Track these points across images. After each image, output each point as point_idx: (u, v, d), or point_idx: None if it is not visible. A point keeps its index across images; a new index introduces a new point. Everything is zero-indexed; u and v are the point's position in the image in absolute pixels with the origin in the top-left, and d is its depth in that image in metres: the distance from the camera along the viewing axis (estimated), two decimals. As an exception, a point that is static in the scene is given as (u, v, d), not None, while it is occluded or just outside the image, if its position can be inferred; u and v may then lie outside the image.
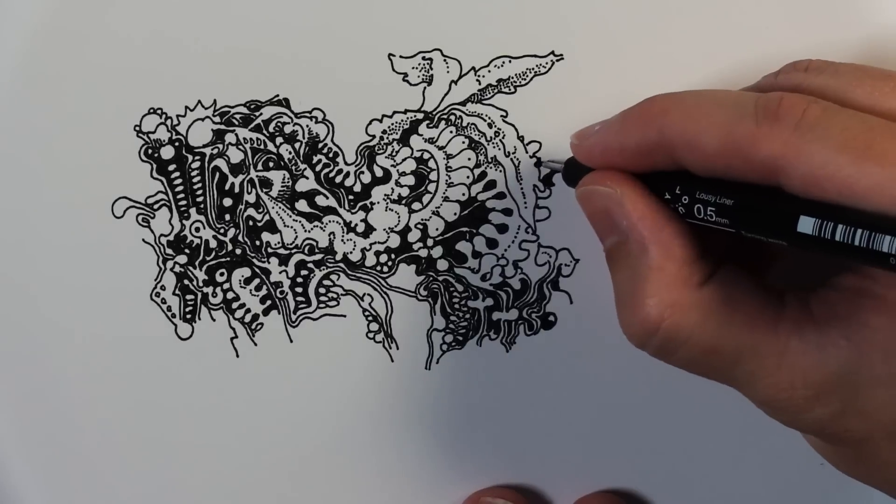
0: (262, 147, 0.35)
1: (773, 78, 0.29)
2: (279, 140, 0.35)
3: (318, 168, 0.35)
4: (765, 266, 0.31)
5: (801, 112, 0.25)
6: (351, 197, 0.35)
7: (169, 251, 0.36)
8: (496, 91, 0.34)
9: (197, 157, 0.35)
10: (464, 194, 0.35)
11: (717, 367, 0.28)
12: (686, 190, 0.27)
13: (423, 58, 0.34)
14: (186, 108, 0.35)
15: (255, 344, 0.36)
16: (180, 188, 0.35)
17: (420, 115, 0.35)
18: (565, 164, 0.33)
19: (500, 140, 0.35)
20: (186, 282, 0.36)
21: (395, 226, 0.35)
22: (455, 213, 0.35)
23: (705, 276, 0.28)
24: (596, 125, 0.30)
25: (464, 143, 0.35)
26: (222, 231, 0.35)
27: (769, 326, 0.27)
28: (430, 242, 0.35)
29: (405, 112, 0.35)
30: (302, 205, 0.35)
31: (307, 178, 0.35)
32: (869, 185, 0.23)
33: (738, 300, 0.27)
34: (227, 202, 0.35)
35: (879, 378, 0.26)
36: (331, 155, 0.35)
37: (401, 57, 0.34)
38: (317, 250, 0.35)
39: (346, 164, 0.35)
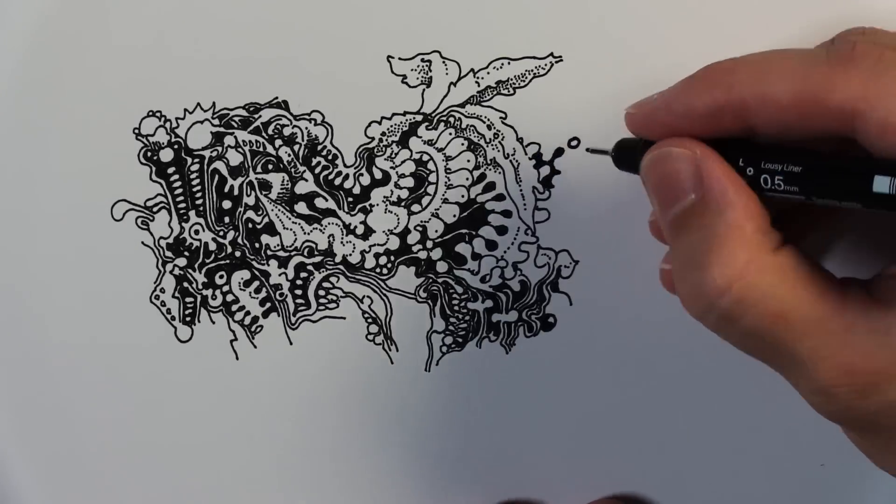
0: (261, 149, 0.35)
1: (830, 44, 0.29)
2: (278, 142, 0.35)
3: (317, 170, 0.35)
4: (825, 251, 0.31)
5: (878, 55, 0.24)
6: (350, 199, 0.35)
7: (168, 254, 0.36)
8: (495, 93, 0.34)
9: (196, 160, 0.35)
10: (463, 196, 0.35)
11: (781, 340, 0.26)
12: (751, 161, 0.27)
13: (422, 60, 0.34)
14: (185, 110, 0.35)
15: (255, 346, 0.36)
16: (179, 191, 0.35)
17: (419, 117, 0.35)
18: (616, 145, 0.31)
19: (500, 142, 0.35)
20: (186, 284, 0.36)
21: (395, 228, 0.35)
22: (454, 215, 0.35)
23: (779, 243, 0.27)
24: (654, 95, 0.29)
25: (463, 144, 0.35)
26: (221, 233, 0.35)
27: (838, 301, 0.26)
28: (429, 244, 0.35)
29: (404, 114, 0.35)
30: (301, 207, 0.35)
31: (306, 180, 0.35)
32: None
33: (809, 271, 0.27)
34: (227, 204, 0.35)
35: None
36: (330, 157, 0.35)
37: (399, 59, 0.34)
38: (316, 252, 0.35)
39: (345, 166, 0.35)
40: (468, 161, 0.35)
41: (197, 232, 0.35)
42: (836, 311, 0.26)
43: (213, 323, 0.36)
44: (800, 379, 0.27)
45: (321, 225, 0.35)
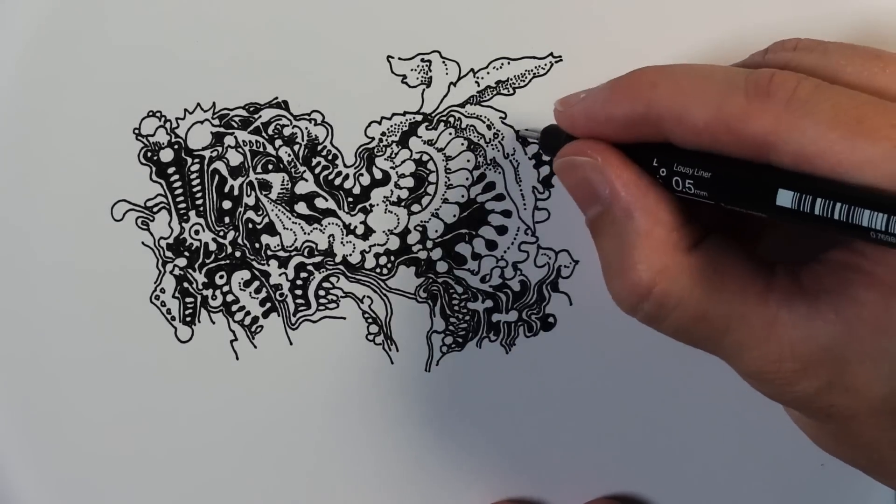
0: (261, 149, 0.35)
1: (762, 56, 0.29)
2: (278, 142, 0.35)
3: (317, 170, 0.35)
4: (755, 236, 0.31)
5: (792, 88, 0.25)
6: (350, 199, 0.35)
7: (168, 254, 0.36)
8: (495, 93, 0.34)
9: (196, 160, 0.35)
10: (463, 196, 0.35)
11: (706, 336, 0.27)
12: (663, 162, 0.27)
13: (422, 59, 0.34)
14: (186, 110, 0.35)
15: (255, 346, 0.36)
16: (180, 191, 0.35)
17: (419, 117, 0.35)
18: (542, 132, 0.32)
19: (500, 142, 0.35)
20: (186, 284, 0.36)
21: (395, 228, 0.35)
22: (454, 215, 0.35)
23: (693, 241, 0.28)
24: (581, 93, 0.30)
25: (463, 144, 0.35)
26: (222, 234, 0.35)
27: (759, 296, 0.27)
28: (429, 244, 0.35)
29: (404, 114, 0.35)
30: (301, 207, 0.35)
31: (306, 180, 0.35)
32: (860, 161, 0.23)
33: (728, 268, 0.27)
34: (227, 205, 0.35)
35: (867, 354, 0.25)
36: (330, 157, 0.35)
37: (399, 59, 0.34)
38: (316, 252, 0.35)
39: (345, 166, 0.35)
40: (468, 161, 0.35)
41: (197, 232, 0.35)
42: (759, 304, 0.27)
43: (214, 323, 0.36)
44: (734, 365, 0.28)
45: (321, 225, 0.35)
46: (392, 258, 0.35)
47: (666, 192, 0.28)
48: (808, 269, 0.27)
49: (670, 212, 0.27)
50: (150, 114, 0.35)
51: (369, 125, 0.35)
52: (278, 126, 0.35)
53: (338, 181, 0.35)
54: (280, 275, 0.36)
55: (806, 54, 0.27)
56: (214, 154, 0.35)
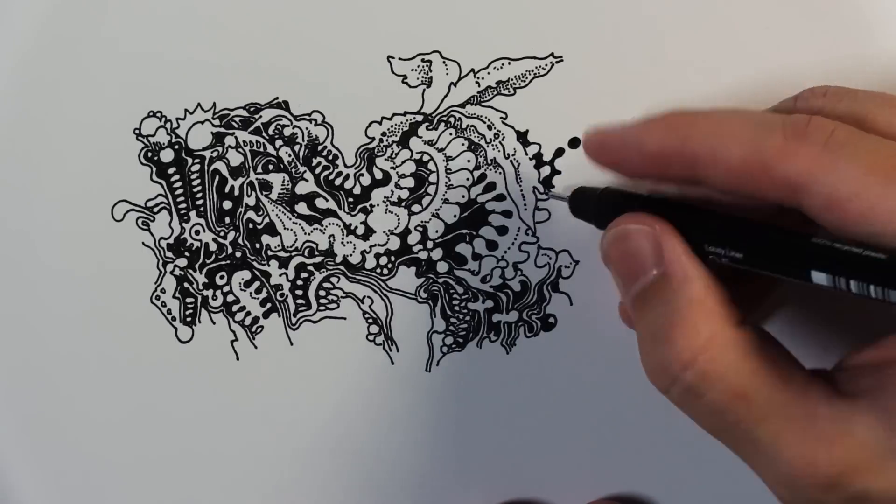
0: (261, 150, 0.35)
1: (792, 102, 0.29)
2: (279, 143, 0.35)
3: (317, 170, 0.35)
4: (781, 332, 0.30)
5: (829, 132, 0.25)
6: (350, 199, 0.35)
7: (169, 254, 0.36)
8: (495, 93, 0.34)
9: (196, 160, 0.35)
10: (463, 196, 0.35)
11: (741, 420, 0.26)
12: (703, 238, 0.27)
13: (423, 60, 0.34)
14: (186, 111, 0.35)
15: (256, 347, 0.36)
16: (180, 191, 0.35)
17: (419, 118, 0.35)
18: (572, 193, 0.32)
19: (500, 142, 0.35)
20: (186, 285, 0.36)
21: (395, 228, 0.35)
22: (455, 216, 0.35)
23: (741, 318, 0.27)
24: (614, 123, 0.29)
25: (463, 145, 0.35)
26: (222, 234, 0.35)
27: (801, 387, 0.26)
28: (429, 245, 0.35)
29: (404, 114, 0.35)
30: (302, 207, 0.35)
31: (307, 180, 0.35)
32: (893, 207, 0.23)
33: (771, 352, 0.27)
34: (227, 205, 0.35)
35: None
36: (330, 157, 0.35)
37: (400, 59, 0.34)
38: (317, 253, 0.35)
39: (345, 166, 0.35)
40: (468, 161, 0.35)
41: (197, 232, 0.35)
42: (800, 396, 0.26)
43: (214, 323, 0.36)
44: (763, 467, 0.26)
45: (322, 225, 0.35)
46: (392, 258, 0.35)
47: (713, 272, 0.27)
48: (839, 374, 0.27)
49: (719, 287, 0.27)
50: (151, 114, 0.35)
51: (370, 125, 0.35)
52: (279, 126, 0.35)
53: (338, 181, 0.35)
54: (280, 275, 0.36)
55: (837, 101, 0.28)
56: (215, 154, 0.35)
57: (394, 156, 0.35)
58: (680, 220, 0.28)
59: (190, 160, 0.35)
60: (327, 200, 0.35)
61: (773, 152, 0.25)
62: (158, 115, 0.35)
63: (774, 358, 0.26)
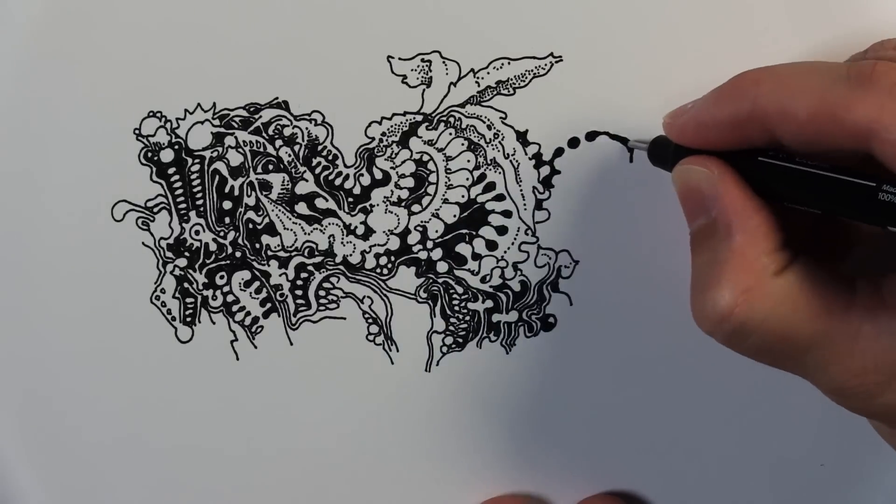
0: (261, 150, 0.35)
1: (862, 55, 0.30)
2: (279, 143, 0.35)
3: (317, 170, 0.35)
4: (840, 254, 0.31)
5: (895, 76, 0.25)
6: (350, 199, 0.35)
7: (169, 254, 0.36)
8: (495, 93, 0.34)
9: (196, 160, 0.35)
10: (463, 196, 0.35)
11: (788, 355, 0.28)
12: (769, 177, 0.28)
13: (422, 60, 0.34)
14: (186, 111, 0.35)
15: (255, 347, 0.36)
16: (180, 191, 0.35)
17: (419, 118, 0.35)
18: (651, 142, 0.32)
19: (500, 142, 0.35)
20: (186, 285, 0.36)
21: (395, 228, 0.35)
22: (454, 215, 0.35)
23: (783, 265, 0.28)
24: (688, 104, 0.30)
25: (463, 144, 0.35)
26: (222, 234, 0.35)
27: (842, 313, 0.27)
28: (429, 244, 0.35)
29: (404, 114, 0.35)
30: (301, 207, 0.35)
31: (307, 180, 0.35)
32: None
33: (813, 289, 0.27)
34: (227, 205, 0.35)
35: None
36: (330, 157, 0.35)
37: (399, 59, 0.34)
38: (316, 253, 0.35)
39: (345, 166, 0.35)
40: (468, 161, 0.35)
41: (197, 232, 0.35)
42: (842, 321, 0.27)
43: (214, 323, 0.36)
44: (815, 381, 0.28)
45: (321, 225, 0.35)
46: (392, 258, 0.35)
47: (770, 216, 0.28)
48: (889, 281, 0.27)
49: (768, 235, 0.28)
50: (151, 114, 0.35)
51: (369, 125, 0.35)
52: (279, 126, 0.35)
53: (338, 181, 0.35)
54: (280, 275, 0.36)
55: None
56: (215, 154, 0.35)
57: (394, 156, 0.35)
58: (748, 167, 0.28)
59: (190, 160, 0.35)
60: (327, 200, 0.35)
61: (840, 101, 0.25)
62: (158, 115, 0.35)
63: (816, 292, 0.27)
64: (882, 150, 0.25)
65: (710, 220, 0.29)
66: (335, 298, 0.36)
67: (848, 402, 0.28)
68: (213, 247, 0.36)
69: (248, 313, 0.36)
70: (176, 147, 0.35)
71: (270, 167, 0.35)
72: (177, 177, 0.35)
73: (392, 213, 0.35)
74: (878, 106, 0.25)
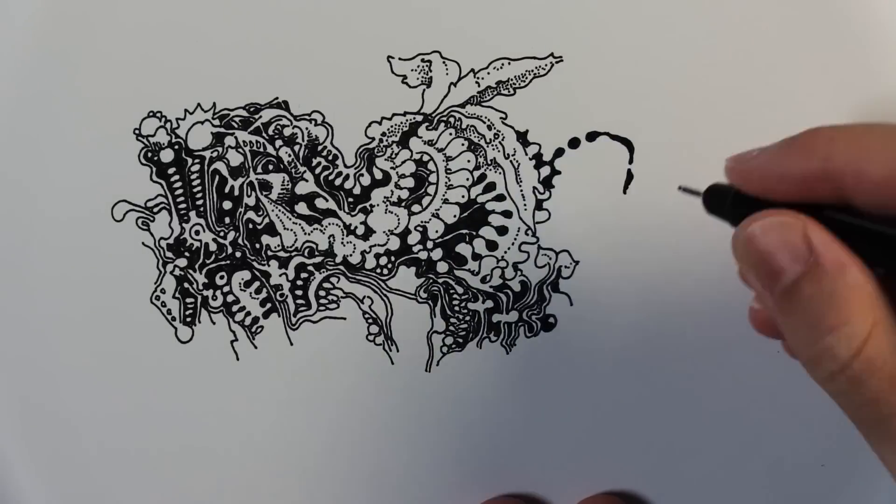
0: (261, 150, 0.35)
1: None
2: (279, 143, 0.35)
3: (317, 171, 0.35)
4: None
5: None
6: (350, 199, 0.35)
7: (169, 254, 0.36)
8: (495, 93, 0.34)
9: (196, 161, 0.35)
10: (463, 196, 0.35)
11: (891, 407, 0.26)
12: (840, 231, 0.27)
13: (422, 60, 0.34)
14: (186, 111, 0.35)
15: (255, 347, 0.36)
16: (180, 191, 0.35)
17: (419, 118, 0.35)
18: (707, 191, 0.32)
19: (500, 142, 0.35)
20: (186, 285, 0.36)
21: (395, 228, 0.35)
22: (455, 216, 0.35)
23: (891, 303, 0.27)
24: (754, 150, 0.29)
25: (463, 145, 0.35)
26: (222, 234, 0.35)
27: None
28: (429, 245, 0.35)
29: (404, 114, 0.35)
30: (301, 207, 0.35)
31: (307, 180, 0.35)
32: None
33: None
34: (227, 205, 0.35)
35: None
36: (330, 157, 0.35)
37: (400, 59, 0.34)
38: (317, 253, 0.35)
39: (345, 166, 0.35)
40: (468, 161, 0.35)
41: (197, 232, 0.35)
42: None
43: (214, 323, 0.36)
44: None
45: (321, 225, 0.35)
46: (392, 258, 0.35)
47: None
48: None
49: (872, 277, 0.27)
50: (151, 114, 0.35)
51: (369, 125, 0.35)
52: (278, 126, 0.35)
53: (338, 181, 0.35)
54: (280, 275, 0.36)
55: None
56: (215, 154, 0.35)
57: (394, 156, 0.35)
58: (821, 220, 0.28)
59: (190, 160, 0.35)
60: (327, 200, 0.35)
61: None
62: (158, 115, 0.35)
63: None
64: None
65: (805, 269, 0.27)
66: (335, 298, 0.36)
67: None
68: (213, 247, 0.36)
69: (248, 313, 0.36)
70: (176, 147, 0.35)
71: (270, 167, 0.35)
72: (177, 177, 0.35)
73: (392, 213, 0.35)
74: None
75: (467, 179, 0.35)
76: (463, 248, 0.35)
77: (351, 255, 0.35)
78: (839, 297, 0.26)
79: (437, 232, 0.35)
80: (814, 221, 0.28)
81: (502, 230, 0.35)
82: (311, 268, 0.36)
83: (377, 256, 0.35)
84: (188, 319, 0.36)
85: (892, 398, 0.26)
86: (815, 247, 0.27)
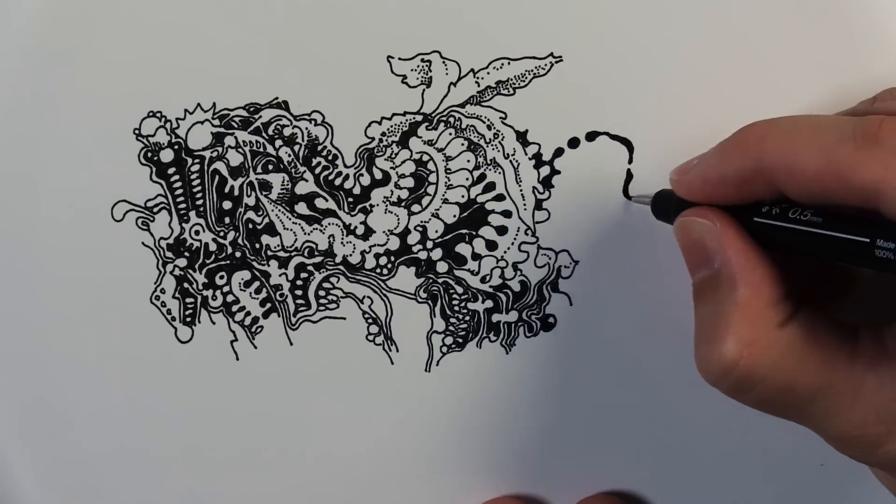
0: (261, 150, 0.35)
1: (870, 104, 0.30)
2: (278, 143, 0.35)
3: (317, 170, 0.35)
4: (841, 301, 0.31)
5: None
6: (350, 199, 0.35)
7: (169, 254, 0.36)
8: (495, 93, 0.34)
9: (196, 160, 0.35)
10: (463, 196, 0.35)
11: (792, 406, 0.28)
12: (768, 224, 0.28)
13: (422, 60, 0.34)
14: (186, 111, 0.35)
15: (255, 347, 0.36)
16: (180, 191, 0.35)
17: (419, 118, 0.35)
18: (654, 197, 0.33)
19: (500, 142, 0.35)
20: (186, 285, 0.36)
21: (395, 228, 0.35)
22: (454, 216, 0.35)
23: (787, 317, 0.28)
24: (694, 159, 0.30)
25: (463, 145, 0.35)
26: (222, 234, 0.35)
27: (845, 364, 0.27)
28: (429, 245, 0.35)
29: (404, 114, 0.35)
30: (301, 207, 0.35)
31: (307, 180, 0.35)
32: None
33: (816, 340, 0.28)
34: (227, 205, 0.35)
35: None
36: (330, 157, 0.35)
37: (400, 59, 0.34)
38: (316, 253, 0.35)
39: (345, 166, 0.35)
40: (468, 161, 0.35)
41: (197, 232, 0.35)
42: (845, 372, 0.27)
43: (214, 323, 0.36)
44: (817, 430, 0.28)
45: (321, 225, 0.35)
46: (392, 258, 0.35)
47: (772, 267, 0.28)
48: (891, 331, 0.27)
49: (772, 287, 0.28)
50: (151, 114, 0.35)
51: (369, 125, 0.35)
52: (278, 126, 0.35)
53: (338, 181, 0.35)
54: (280, 275, 0.36)
55: None
56: (215, 154, 0.35)
57: (393, 156, 0.35)
58: (749, 220, 0.28)
59: (190, 160, 0.35)
60: (327, 200, 0.35)
61: (846, 161, 0.25)
62: (158, 115, 0.35)
63: (819, 344, 0.28)
64: (889, 210, 0.24)
65: (714, 272, 0.28)
66: (335, 298, 0.36)
67: (851, 452, 0.28)
68: (212, 247, 0.36)
69: (248, 313, 0.36)
70: (176, 147, 0.35)
71: (270, 167, 0.35)
72: (177, 177, 0.35)
73: (392, 213, 0.35)
74: (883, 166, 0.24)
75: (467, 179, 0.35)
76: (463, 248, 0.35)
77: (351, 255, 0.35)
78: (724, 313, 0.28)
79: (436, 232, 0.35)
80: (732, 228, 0.28)
81: (502, 230, 0.35)
82: (310, 268, 0.36)
83: (377, 256, 0.35)
84: (188, 319, 0.36)
85: (781, 398, 0.28)
86: (721, 255, 0.28)
